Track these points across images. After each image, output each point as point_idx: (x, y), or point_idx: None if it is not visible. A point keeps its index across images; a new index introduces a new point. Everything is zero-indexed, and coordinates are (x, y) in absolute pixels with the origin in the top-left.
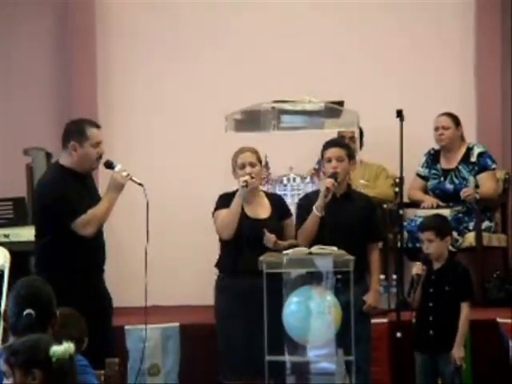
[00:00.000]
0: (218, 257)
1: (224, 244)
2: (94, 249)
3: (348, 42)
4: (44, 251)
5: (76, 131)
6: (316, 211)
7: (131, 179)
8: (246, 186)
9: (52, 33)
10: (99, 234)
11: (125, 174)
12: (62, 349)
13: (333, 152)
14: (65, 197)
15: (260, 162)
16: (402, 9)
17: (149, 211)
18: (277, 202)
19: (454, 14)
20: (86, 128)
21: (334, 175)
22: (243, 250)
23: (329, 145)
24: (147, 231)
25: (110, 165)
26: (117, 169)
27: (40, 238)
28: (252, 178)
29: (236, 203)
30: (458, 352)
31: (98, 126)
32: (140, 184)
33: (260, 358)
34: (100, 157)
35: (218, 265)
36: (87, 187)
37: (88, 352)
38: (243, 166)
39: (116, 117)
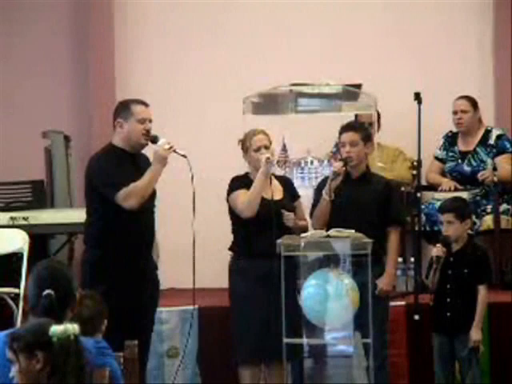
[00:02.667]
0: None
1: (241, 226)
2: (140, 227)
3: (366, 26)
4: (91, 229)
5: (122, 109)
6: (324, 195)
7: (174, 151)
8: (269, 162)
9: (70, 16)
10: (147, 213)
11: (167, 146)
12: (61, 328)
13: (346, 136)
14: (108, 172)
15: (271, 143)
16: None
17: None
18: (287, 184)
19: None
20: (131, 105)
21: (345, 160)
22: (261, 232)
23: (343, 129)
24: (193, 204)
25: (154, 139)
26: (160, 142)
27: (89, 216)
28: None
29: (260, 180)
30: (475, 334)
31: (144, 104)
32: (183, 155)
33: (277, 342)
34: (147, 133)
35: (232, 247)
36: (137, 166)
37: (121, 332)
38: (259, 149)
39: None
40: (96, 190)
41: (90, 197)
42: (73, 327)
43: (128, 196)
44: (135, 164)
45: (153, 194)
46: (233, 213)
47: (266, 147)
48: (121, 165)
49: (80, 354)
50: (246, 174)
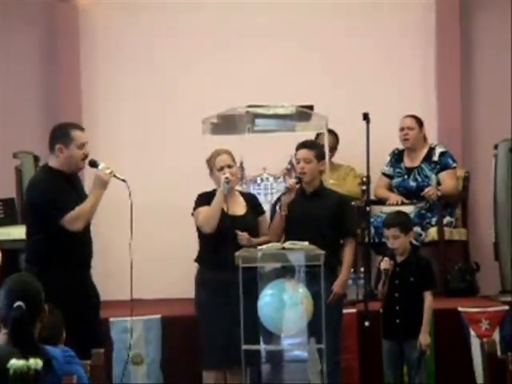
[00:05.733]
0: (197, 252)
1: (204, 240)
2: (81, 246)
3: (318, 51)
4: (34, 248)
5: (61, 134)
6: (278, 209)
7: (114, 176)
8: (228, 182)
9: (38, 42)
10: (86, 231)
11: (108, 171)
12: (20, 363)
13: (301, 154)
14: (52, 196)
15: (235, 162)
16: (368, 19)
17: (134, 209)
18: (251, 200)
19: (415, 24)
20: (71, 131)
21: (299, 177)
22: (223, 245)
23: (298, 147)
24: (131, 224)
25: (93, 163)
26: (100, 167)
27: (31, 236)
28: (232, 176)
29: (218, 198)
30: (424, 339)
31: (81, 129)
32: (123, 180)
33: (239, 348)
34: (85, 157)
35: (197, 259)
36: (75, 187)
37: (75, 343)
38: (222, 168)
39: (100, 122)
40: (38, 213)
41: (32, 219)
42: (35, 362)
43: (74, 220)
44: (72, 184)
45: None
46: (198, 227)
47: (230, 166)
48: (61, 187)
49: None
50: (213, 191)
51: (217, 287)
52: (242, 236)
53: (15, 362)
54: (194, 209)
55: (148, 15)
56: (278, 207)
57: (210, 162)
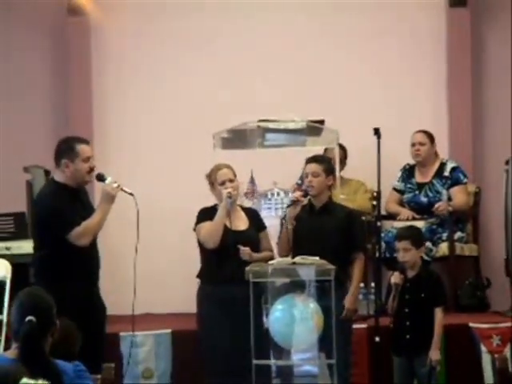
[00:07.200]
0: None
1: (206, 255)
2: (88, 259)
3: (328, 66)
4: (42, 262)
5: (66, 149)
6: (286, 223)
7: (122, 189)
8: (230, 197)
9: (50, 57)
10: (93, 245)
11: (115, 185)
12: (31, 382)
13: (309, 168)
14: (59, 210)
15: (235, 176)
16: (380, 35)
17: (140, 222)
18: (253, 215)
19: (427, 39)
20: (76, 145)
21: (305, 191)
22: (225, 260)
23: (307, 161)
24: (137, 237)
25: (101, 177)
26: (107, 181)
27: (38, 250)
28: (234, 190)
29: (221, 214)
30: (434, 354)
31: (86, 142)
32: (130, 193)
33: (243, 362)
34: (91, 170)
35: (200, 275)
36: (81, 201)
37: (82, 357)
38: (223, 183)
39: (111, 136)
40: (44, 228)
41: (38, 233)
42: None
43: (80, 235)
44: (78, 198)
45: None
46: (199, 242)
47: (231, 181)
48: (68, 202)
49: None
50: (214, 206)
51: (219, 302)
52: (244, 251)
53: (26, 381)
54: (196, 224)
55: (159, 29)
56: (284, 220)
57: (211, 176)
